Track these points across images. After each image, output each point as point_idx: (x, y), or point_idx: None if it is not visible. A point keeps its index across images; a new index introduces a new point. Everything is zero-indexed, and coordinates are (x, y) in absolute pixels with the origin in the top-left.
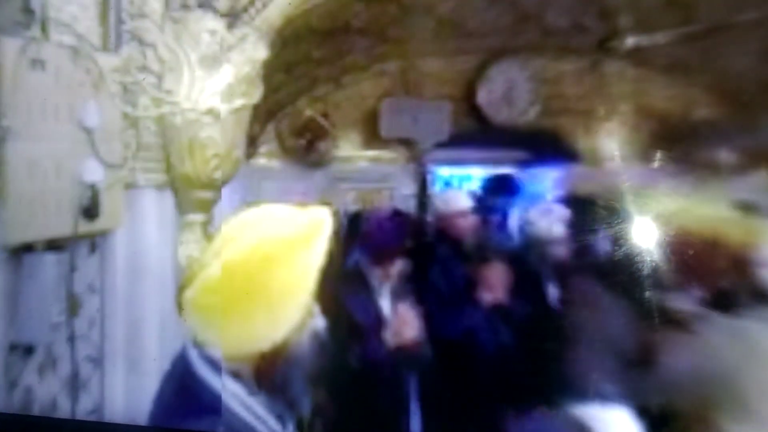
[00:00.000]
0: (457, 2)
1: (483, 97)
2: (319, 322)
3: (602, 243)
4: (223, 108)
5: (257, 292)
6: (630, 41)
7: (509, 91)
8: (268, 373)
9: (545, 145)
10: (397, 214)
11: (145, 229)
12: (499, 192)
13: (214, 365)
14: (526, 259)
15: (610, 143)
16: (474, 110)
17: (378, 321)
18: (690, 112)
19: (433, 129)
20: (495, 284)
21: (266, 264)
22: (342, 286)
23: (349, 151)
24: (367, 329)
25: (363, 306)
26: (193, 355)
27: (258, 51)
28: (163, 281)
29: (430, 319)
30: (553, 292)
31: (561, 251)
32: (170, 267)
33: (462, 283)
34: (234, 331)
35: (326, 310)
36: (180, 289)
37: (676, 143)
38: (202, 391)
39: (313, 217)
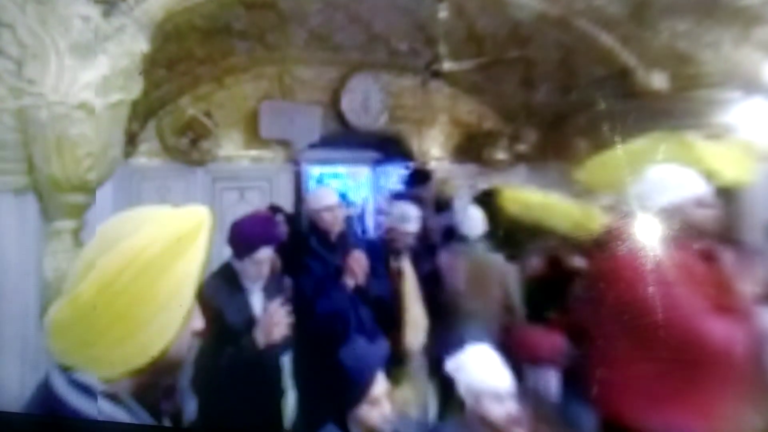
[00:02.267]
0: (325, 18)
1: (345, 104)
2: (198, 324)
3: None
4: (98, 102)
5: (137, 305)
6: (446, 65)
7: (366, 101)
8: (151, 387)
9: (391, 147)
10: (272, 210)
11: (1, 240)
12: (415, 183)
13: (86, 390)
14: (382, 245)
15: (434, 146)
16: (339, 116)
17: (249, 321)
18: (482, 123)
19: (307, 131)
20: (356, 270)
21: (146, 272)
22: (215, 286)
23: (231, 150)
24: (239, 330)
25: (235, 306)
26: (60, 382)
27: (137, 43)
28: (24, 301)
29: (301, 305)
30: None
31: (408, 241)
32: (33, 283)
33: (329, 271)
34: (112, 350)
35: (204, 310)
36: (46, 308)
37: (474, 147)
38: (74, 420)
39: (192, 216)
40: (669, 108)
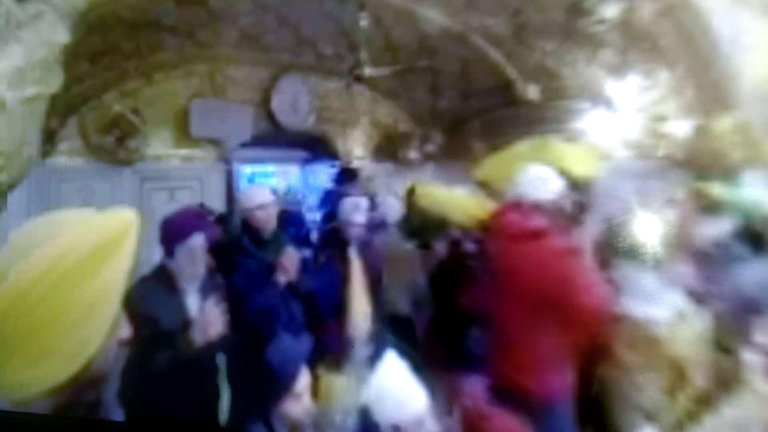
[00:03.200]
0: (256, 19)
1: (276, 104)
2: (125, 333)
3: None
4: (11, 96)
5: (55, 318)
6: (367, 71)
7: (295, 101)
8: (72, 405)
9: (319, 147)
10: (200, 208)
11: None
12: (344, 181)
13: None
14: (326, 238)
15: (357, 145)
16: (269, 115)
17: (185, 323)
18: (397, 126)
19: (238, 130)
20: (288, 267)
21: (65, 282)
22: (148, 290)
23: (160, 149)
24: (175, 332)
25: (170, 309)
26: None
27: (57, 33)
28: None
29: (235, 303)
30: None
31: (358, 232)
32: None
33: (262, 269)
34: (25, 370)
35: (132, 317)
36: None
37: (391, 147)
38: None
39: (118, 220)
40: (540, 115)
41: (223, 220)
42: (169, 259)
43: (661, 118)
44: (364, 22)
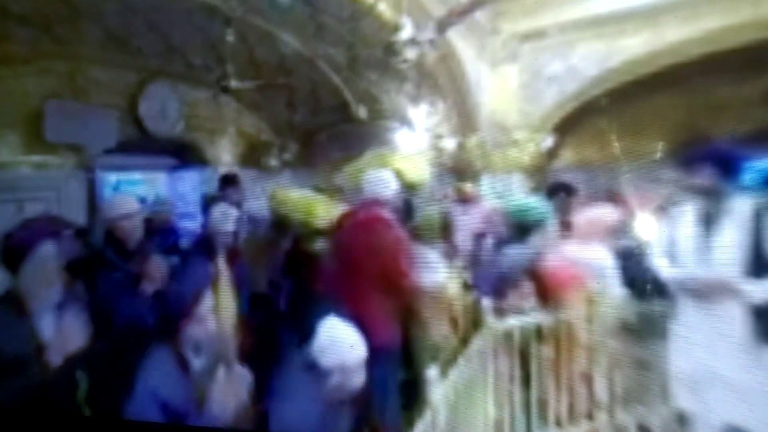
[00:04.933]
0: (123, 21)
1: (143, 110)
2: None
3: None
4: None
5: None
6: (233, 83)
7: (163, 108)
8: None
9: (187, 154)
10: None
11: None
12: (224, 186)
13: None
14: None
15: (224, 153)
16: (136, 121)
17: (38, 347)
18: (261, 135)
19: (102, 135)
20: (154, 275)
21: None
22: None
23: (7, 155)
24: (26, 359)
25: (19, 336)
26: None
27: None
28: None
29: (100, 318)
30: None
31: (225, 240)
32: None
33: (127, 280)
34: None
35: None
36: None
37: (254, 155)
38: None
39: None
40: (369, 131)
41: (82, 233)
42: (16, 280)
43: (439, 136)
44: (230, 37)
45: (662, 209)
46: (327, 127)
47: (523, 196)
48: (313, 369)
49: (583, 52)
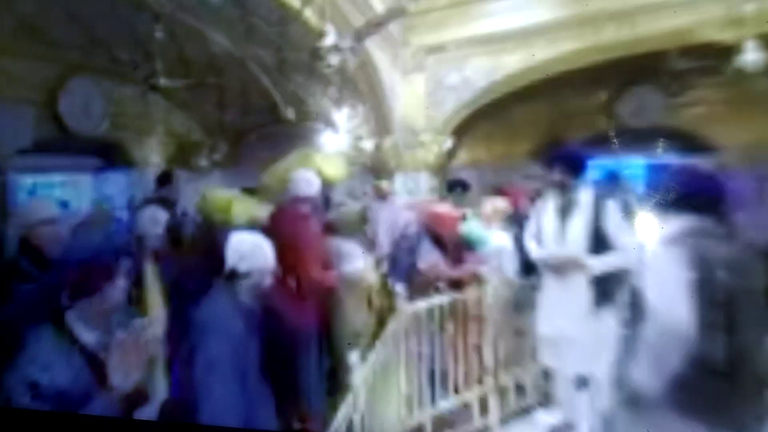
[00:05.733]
0: (39, 8)
1: (64, 107)
2: None
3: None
4: None
5: None
6: (162, 81)
7: (87, 105)
8: None
9: (113, 155)
10: None
11: None
12: (161, 186)
13: None
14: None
15: (153, 153)
16: (56, 118)
17: None
18: (191, 135)
19: (15, 134)
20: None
21: None
22: None
23: None
24: None
25: None
26: None
27: None
28: None
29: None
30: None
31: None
32: None
33: (45, 293)
34: None
35: None
36: None
37: (184, 155)
38: None
39: None
40: (297, 132)
41: None
42: None
43: (359, 138)
44: (159, 33)
45: (532, 201)
46: (257, 127)
47: (480, 229)
48: (233, 277)
49: (474, 66)
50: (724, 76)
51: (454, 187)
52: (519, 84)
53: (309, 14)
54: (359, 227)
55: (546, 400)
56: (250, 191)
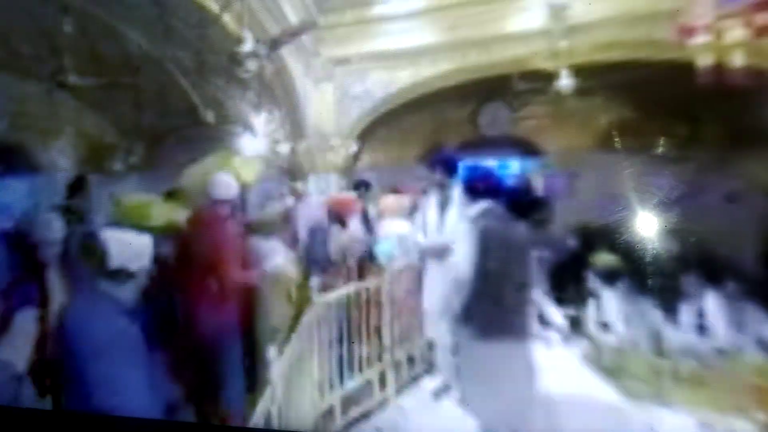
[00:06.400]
0: None
1: None
2: None
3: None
4: None
5: None
6: (72, 79)
7: None
8: None
9: (14, 158)
10: None
11: None
12: (73, 192)
13: None
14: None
15: (61, 156)
16: None
17: None
18: (104, 137)
19: None
20: None
21: None
22: None
23: None
24: None
25: None
26: None
27: None
28: None
29: None
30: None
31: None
32: None
33: None
34: None
35: None
36: None
37: (97, 158)
38: None
39: None
40: (216, 135)
41: None
42: None
43: (276, 141)
44: (68, 27)
45: (420, 198)
46: (175, 129)
47: (389, 248)
48: (117, 276)
49: (374, 79)
50: (548, 96)
51: (359, 187)
52: (409, 96)
53: (228, 19)
54: (282, 226)
55: (431, 367)
56: (169, 195)
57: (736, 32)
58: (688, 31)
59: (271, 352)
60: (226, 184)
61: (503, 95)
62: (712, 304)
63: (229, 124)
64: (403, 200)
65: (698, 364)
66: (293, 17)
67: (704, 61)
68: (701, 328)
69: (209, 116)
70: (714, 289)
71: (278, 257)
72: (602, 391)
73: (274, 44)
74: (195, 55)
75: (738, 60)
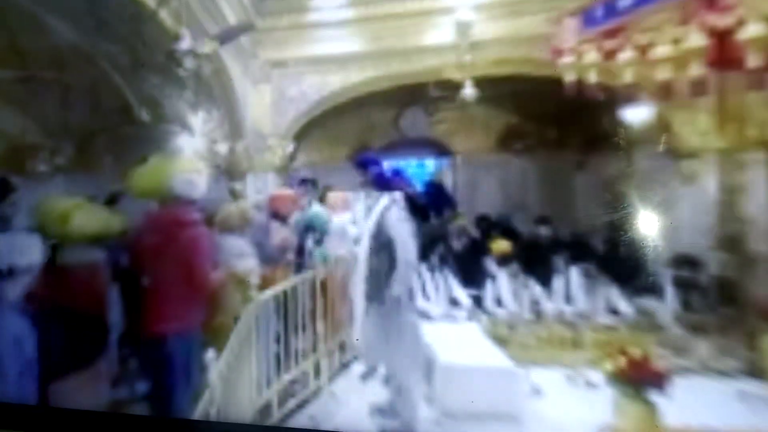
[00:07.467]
0: None
1: None
2: None
3: None
4: None
5: None
6: None
7: None
8: None
9: None
10: None
11: None
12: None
13: None
14: None
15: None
16: None
17: None
18: (26, 136)
19: None
20: None
21: None
22: None
23: None
24: None
25: None
26: None
27: None
28: None
29: None
30: None
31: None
32: None
33: None
34: None
35: None
36: None
37: (17, 159)
38: None
39: None
40: (151, 134)
41: None
42: None
43: (215, 141)
44: None
45: (354, 197)
46: (107, 129)
47: (321, 212)
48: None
49: (309, 82)
50: (456, 103)
51: (306, 183)
52: (340, 100)
53: (164, 16)
54: (242, 224)
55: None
56: (112, 198)
57: (591, 55)
58: (558, 52)
59: (209, 353)
60: (192, 183)
61: (421, 101)
62: (575, 277)
63: (166, 123)
64: (348, 195)
65: (565, 327)
66: (232, 18)
67: (569, 77)
68: (568, 298)
69: (144, 115)
70: (576, 266)
71: (250, 259)
72: (497, 358)
73: (221, 40)
74: (129, 51)
75: (592, 77)
